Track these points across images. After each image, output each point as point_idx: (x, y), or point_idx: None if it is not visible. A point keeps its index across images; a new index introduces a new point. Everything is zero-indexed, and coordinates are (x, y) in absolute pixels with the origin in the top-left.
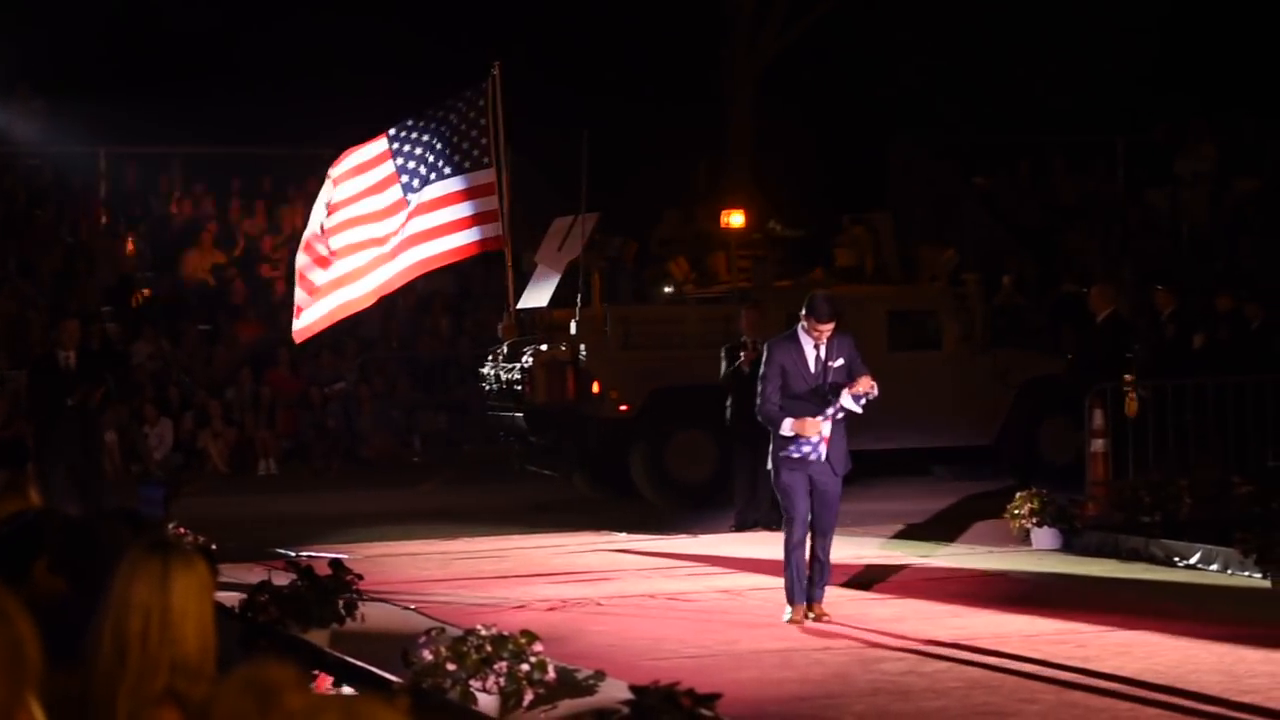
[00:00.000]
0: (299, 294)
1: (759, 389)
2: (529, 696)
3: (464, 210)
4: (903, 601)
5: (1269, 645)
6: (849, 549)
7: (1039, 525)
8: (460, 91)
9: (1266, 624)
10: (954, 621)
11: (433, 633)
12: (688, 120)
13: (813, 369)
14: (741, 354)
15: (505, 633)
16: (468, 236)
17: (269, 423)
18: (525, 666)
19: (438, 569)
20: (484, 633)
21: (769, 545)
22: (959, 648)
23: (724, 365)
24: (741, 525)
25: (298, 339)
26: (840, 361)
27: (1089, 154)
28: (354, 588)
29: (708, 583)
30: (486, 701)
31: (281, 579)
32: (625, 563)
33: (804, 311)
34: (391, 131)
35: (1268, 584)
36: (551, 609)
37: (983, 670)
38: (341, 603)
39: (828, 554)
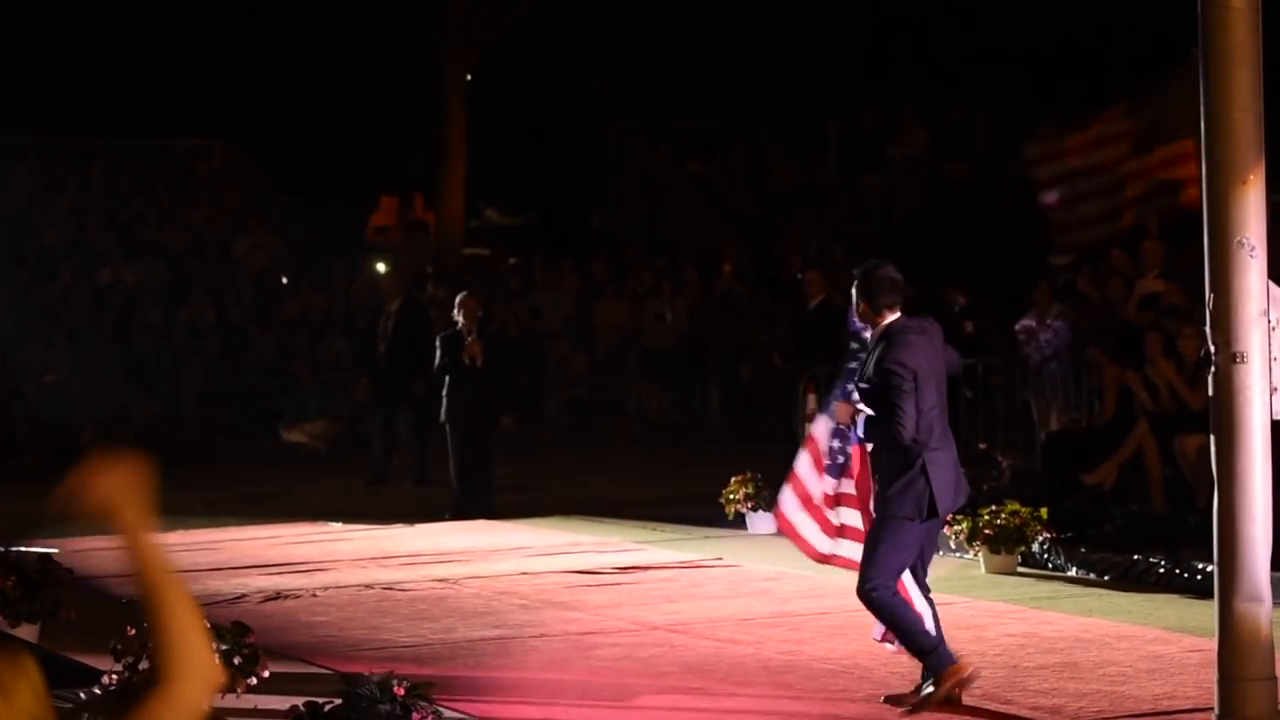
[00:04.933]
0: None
1: (899, 410)
2: (241, 689)
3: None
4: (618, 587)
5: (978, 625)
6: (565, 535)
7: (753, 509)
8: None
9: (972, 603)
10: (669, 607)
11: (144, 626)
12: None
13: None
14: (466, 341)
15: (218, 625)
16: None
17: None
18: (238, 659)
19: None
20: None
21: (484, 534)
22: (674, 632)
23: (439, 356)
24: (456, 514)
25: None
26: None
27: (803, 139)
28: (64, 582)
29: (423, 572)
30: None
31: None
32: (341, 553)
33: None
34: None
35: (974, 563)
36: (266, 600)
37: (697, 654)
38: (51, 597)
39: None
